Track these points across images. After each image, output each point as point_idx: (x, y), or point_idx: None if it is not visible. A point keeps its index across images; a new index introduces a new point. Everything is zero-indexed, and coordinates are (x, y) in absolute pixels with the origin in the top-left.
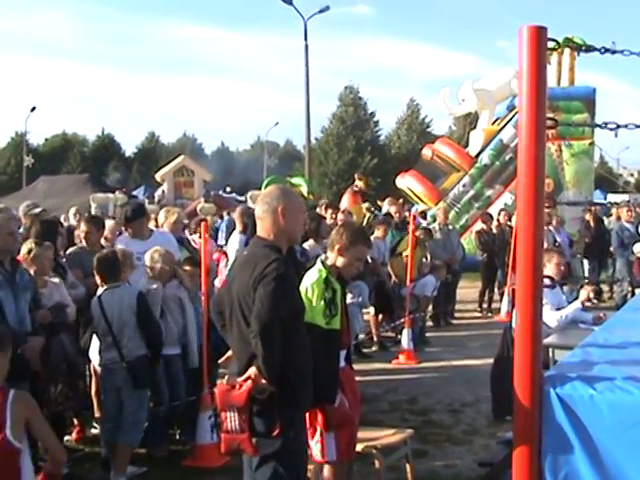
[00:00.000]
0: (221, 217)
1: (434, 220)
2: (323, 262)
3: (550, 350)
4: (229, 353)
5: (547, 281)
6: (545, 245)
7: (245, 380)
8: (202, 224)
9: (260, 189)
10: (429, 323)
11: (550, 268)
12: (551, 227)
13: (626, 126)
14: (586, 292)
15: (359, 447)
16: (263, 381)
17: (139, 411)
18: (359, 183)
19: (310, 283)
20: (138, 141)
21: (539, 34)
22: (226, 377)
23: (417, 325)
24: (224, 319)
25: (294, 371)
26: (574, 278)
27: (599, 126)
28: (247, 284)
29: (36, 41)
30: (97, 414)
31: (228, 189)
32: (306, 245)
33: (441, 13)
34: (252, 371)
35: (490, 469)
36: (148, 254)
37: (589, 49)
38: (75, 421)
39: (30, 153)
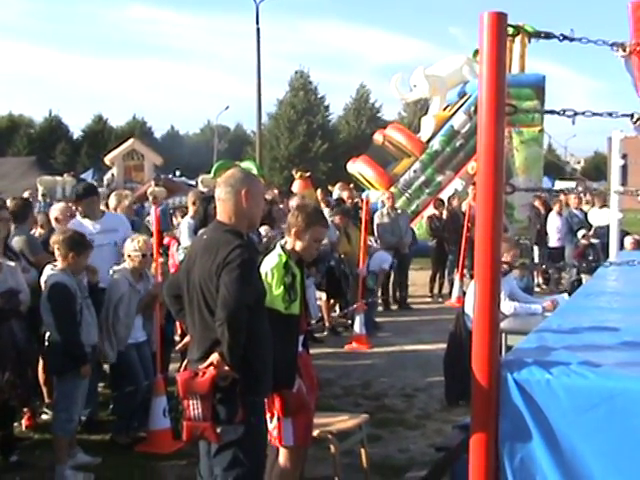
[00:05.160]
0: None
1: (383, 205)
2: (282, 246)
3: (503, 335)
4: (187, 339)
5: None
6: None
7: (207, 367)
8: (154, 208)
9: (210, 173)
10: (379, 308)
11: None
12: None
13: (583, 113)
14: (552, 304)
15: (314, 432)
16: (226, 368)
17: (61, 399)
18: (299, 179)
19: (270, 267)
20: (85, 124)
21: (499, 20)
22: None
23: (374, 310)
24: (180, 303)
25: (256, 357)
26: (529, 264)
27: (557, 113)
28: (209, 270)
29: None
30: (47, 400)
31: (178, 173)
32: (262, 230)
33: None
34: (214, 357)
35: (446, 453)
36: (133, 241)
37: (548, 36)
38: (25, 408)
39: None
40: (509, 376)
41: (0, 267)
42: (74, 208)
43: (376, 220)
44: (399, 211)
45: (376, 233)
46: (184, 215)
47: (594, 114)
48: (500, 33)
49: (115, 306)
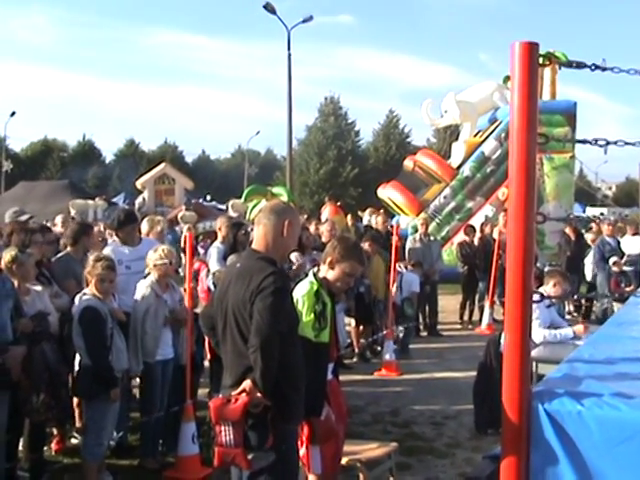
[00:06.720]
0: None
1: (415, 231)
2: (315, 274)
3: (534, 364)
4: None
5: (536, 296)
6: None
7: (240, 393)
8: (186, 235)
9: (240, 197)
10: None
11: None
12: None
13: (616, 143)
14: (582, 326)
15: (343, 460)
16: (258, 394)
17: (90, 423)
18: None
19: (301, 295)
20: (117, 148)
21: (531, 50)
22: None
23: (411, 336)
24: (217, 335)
25: (288, 384)
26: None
27: (589, 142)
28: (243, 297)
29: (17, 46)
30: (78, 424)
31: (208, 197)
32: (292, 256)
33: (423, 24)
34: (247, 384)
35: None
36: (156, 251)
37: (579, 66)
38: (55, 432)
39: (10, 158)
40: (540, 407)
41: (28, 291)
42: (114, 234)
43: (408, 245)
44: (432, 238)
45: (407, 258)
46: (211, 240)
47: (626, 143)
48: (532, 63)
49: (142, 319)
